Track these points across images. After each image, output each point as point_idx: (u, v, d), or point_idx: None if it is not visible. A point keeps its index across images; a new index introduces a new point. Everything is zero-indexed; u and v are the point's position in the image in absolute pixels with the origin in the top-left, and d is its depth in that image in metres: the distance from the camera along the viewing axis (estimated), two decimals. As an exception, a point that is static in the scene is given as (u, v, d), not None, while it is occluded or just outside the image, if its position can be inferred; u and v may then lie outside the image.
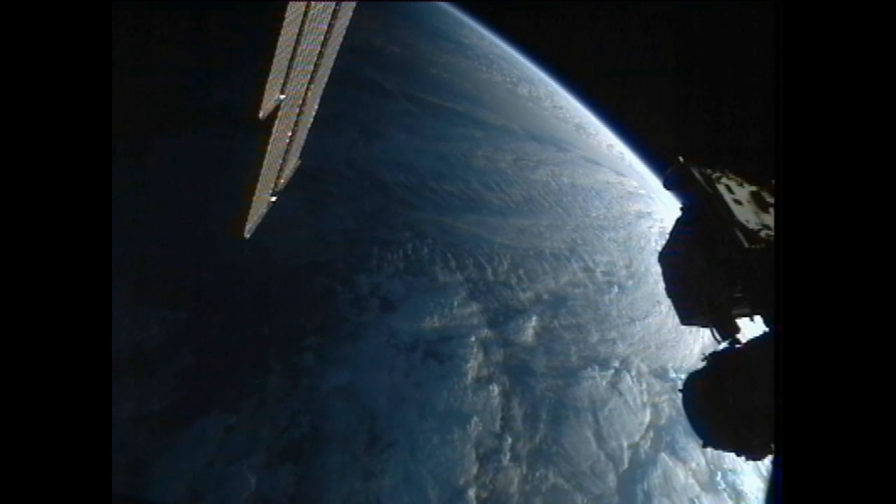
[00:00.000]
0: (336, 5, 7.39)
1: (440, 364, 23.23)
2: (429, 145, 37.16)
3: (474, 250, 30.00)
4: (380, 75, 40.53)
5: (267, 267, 22.31)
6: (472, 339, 25.13)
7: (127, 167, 21.16)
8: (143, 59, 23.43)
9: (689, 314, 4.63)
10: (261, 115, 7.03)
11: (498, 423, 22.67)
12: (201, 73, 26.92)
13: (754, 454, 3.86)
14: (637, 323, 33.11)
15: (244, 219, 8.51)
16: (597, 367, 28.40)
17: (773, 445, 3.71)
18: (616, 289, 35.09)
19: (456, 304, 26.15)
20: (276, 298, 21.58)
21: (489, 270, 29.51)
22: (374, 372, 21.32)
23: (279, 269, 22.54)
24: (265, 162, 7.70)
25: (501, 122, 47.97)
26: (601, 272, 35.79)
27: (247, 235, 8.88)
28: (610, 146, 61.40)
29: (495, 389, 23.76)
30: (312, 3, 6.43)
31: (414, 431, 20.47)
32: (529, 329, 27.85)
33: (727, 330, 4.24)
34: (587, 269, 35.20)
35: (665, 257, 4.90)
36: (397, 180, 31.53)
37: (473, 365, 24.04)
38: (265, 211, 9.27)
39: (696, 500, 25.37)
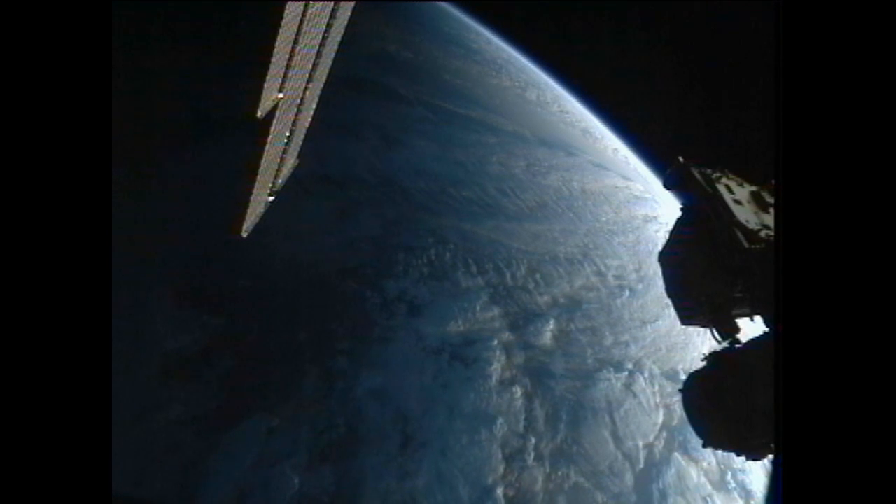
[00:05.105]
0: (334, 5, 7.50)
1: (466, 367, 23.90)
2: (446, 151, 37.72)
3: (493, 255, 30.68)
4: (396, 82, 40.95)
5: (299, 273, 22.83)
6: (495, 342, 25.82)
7: (149, 176, 21.57)
8: (143, 61, 23.58)
9: (689, 314, 4.53)
10: (259, 114, 7.33)
11: (522, 424, 23.33)
12: (202, 75, 27.22)
13: (754, 454, 3.82)
14: (648, 326, 33.91)
15: (242, 218, 8.73)
16: (612, 369, 29.11)
17: (773, 445, 3.67)
18: (627, 292, 35.87)
19: (478, 308, 26.82)
20: (309, 303, 22.13)
21: (508, 275, 30.19)
22: (404, 375, 21.93)
23: (311, 275, 23.06)
24: (263, 162, 8.05)
25: (513, 128, 48.52)
26: (613, 276, 36.55)
27: (244, 234, 8.99)
28: (615, 150, 62.02)
29: (518, 391, 24.44)
30: (311, 3, 6.58)
31: (444, 432, 21.10)
32: (548, 332, 28.55)
33: (727, 330, 4.18)
34: (599, 274, 35.95)
35: (665, 257, 4.78)
36: (418, 187, 32.16)
37: (497, 367, 24.71)
38: (263, 210, 9.34)
39: (708, 498, 26.03)
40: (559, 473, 22.43)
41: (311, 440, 18.26)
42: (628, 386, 28.82)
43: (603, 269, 36.58)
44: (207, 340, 18.78)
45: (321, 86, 9.29)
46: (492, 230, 32.78)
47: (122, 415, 15.40)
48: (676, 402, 28.84)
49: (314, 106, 9.54)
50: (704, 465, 27.15)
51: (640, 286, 36.94)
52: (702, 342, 33.40)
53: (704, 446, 4.07)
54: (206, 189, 22.09)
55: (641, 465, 25.31)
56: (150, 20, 25.50)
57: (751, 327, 4.16)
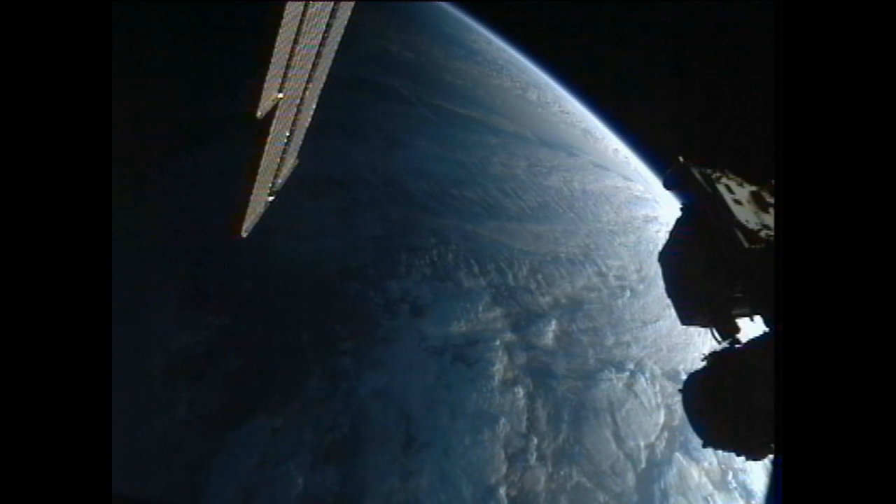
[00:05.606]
0: (334, 5, 7.51)
1: (468, 367, 23.95)
2: (448, 152, 37.85)
3: (495, 256, 30.74)
4: (398, 82, 41.12)
5: (302, 273, 22.91)
6: (497, 342, 25.87)
7: (149, 176, 21.69)
8: (143, 62, 23.62)
9: (689, 314, 4.55)
10: (259, 114, 7.29)
11: (524, 424, 23.38)
12: (201, 75, 27.30)
13: (754, 454, 3.83)
14: (649, 326, 33.89)
15: (242, 218, 8.68)
16: (613, 369, 29.14)
17: (773, 445, 3.69)
18: (628, 293, 35.86)
19: (480, 308, 26.88)
20: (312, 304, 22.21)
21: (510, 276, 30.25)
22: (407, 375, 21.99)
23: (314, 276, 23.14)
24: (262, 161, 8.02)
25: (514, 129, 48.62)
26: (614, 276, 36.55)
27: (244, 234, 8.95)
28: (615, 150, 62.01)
29: (520, 391, 24.48)
30: (311, 2, 6.57)
31: (447, 432, 21.17)
32: (550, 332, 28.59)
33: (727, 330, 4.20)
34: (601, 274, 35.96)
35: (665, 257, 4.80)
36: (420, 187, 32.28)
37: (499, 368, 24.76)
38: (263, 210, 9.34)
39: (709, 498, 26.05)
40: (561, 473, 22.47)
41: (314, 440, 18.34)
42: (630, 386, 28.85)
43: (604, 269, 36.60)
44: (211, 341, 18.86)
45: (321, 86, 9.29)
46: (494, 231, 32.85)
47: (126, 415, 15.50)
48: (678, 402, 28.54)
49: (314, 106, 9.53)
50: (706, 465, 27.15)
51: (641, 286, 36.93)
52: (702, 342, 33.41)
53: (704, 446, 4.08)
54: (207, 189, 22.18)
55: (643, 465, 25.34)
56: (150, 20, 25.62)
57: (751, 327, 4.16)
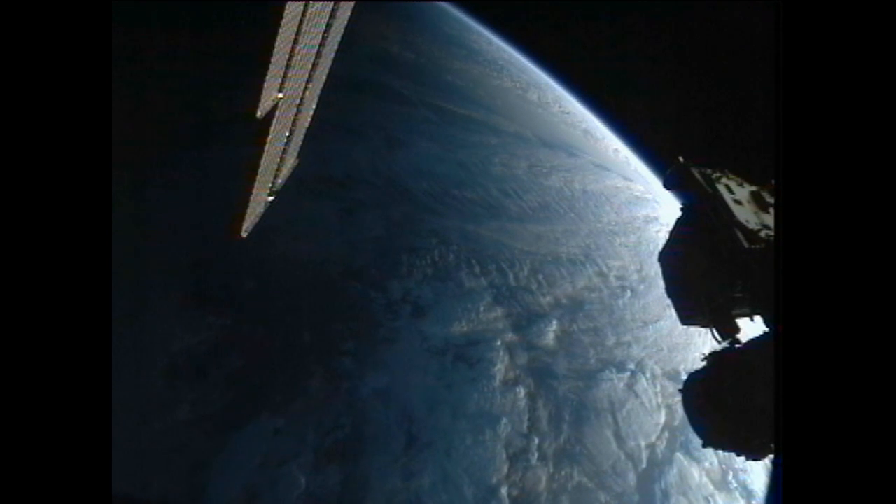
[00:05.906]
0: (334, 5, 7.50)
1: (470, 367, 23.94)
2: (449, 153, 37.91)
3: (496, 256, 30.76)
4: (399, 83, 41.20)
5: (303, 273, 22.91)
6: (498, 342, 25.87)
7: (150, 177, 21.69)
8: (143, 62, 23.58)
9: (688, 314, 4.54)
10: (259, 114, 7.34)
11: (525, 424, 23.36)
12: (201, 75, 27.33)
13: (754, 454, 3.83)
14: (650, 326, 33.91)
15: (242, 218, 8.74)
16: (614, 369, 29.15)
17: (773, 445, 3.69)
18: (629, 293, 35.90)
19: (482, 308, 26.88)
20: (314, 304, 22.21)
21: (511, 276, 30.26)
22: (409, 375, 21.98)
23: (315, 276, 23.14)
24: (262, 161, 8.06)
25: (514, 129, 48.72)
26: (614, 277, 36.60)
27: (244, 234, 8.99)
28: (616, 151, 62.15)
29: (521, 392, 24.48)
30: (311, 2, 6.58)
31: (449, 432, 21.16)
32: (551, 333, 28.60)
33: (727, 330, 4.19)
34: (601, 274, 35.99)
35: (665, 257, 4.81)
36: (421, 188, 32.30)
37: (500, 368, 24.75)
38: (263, 210, 9.35)
39: (710, 498, 26.05)
40: (562, 473, 22.46)
41: (316, 440, 18.31)
42: (630, 386, 28.87)
43: (605, 269, 36.64)
44: (213, 341, 18.86)
45: (321, 86, 9.29)
46: (494, 231, 32.88)
47: (129, 416, 15.51)
48: (678, 402, 28.58)
49: (314, 106, 9.51)
50: (706, 465, 27.18)
51: (642, 287, 36.98)
52: (702, 342, 33.40)
53: (704, 446, 4.08)
54: (207, 189, 22.20)
55: (644, 465, 25.34)
56: (150, 20, 25.49)
57: (751, 327, 4.15)
